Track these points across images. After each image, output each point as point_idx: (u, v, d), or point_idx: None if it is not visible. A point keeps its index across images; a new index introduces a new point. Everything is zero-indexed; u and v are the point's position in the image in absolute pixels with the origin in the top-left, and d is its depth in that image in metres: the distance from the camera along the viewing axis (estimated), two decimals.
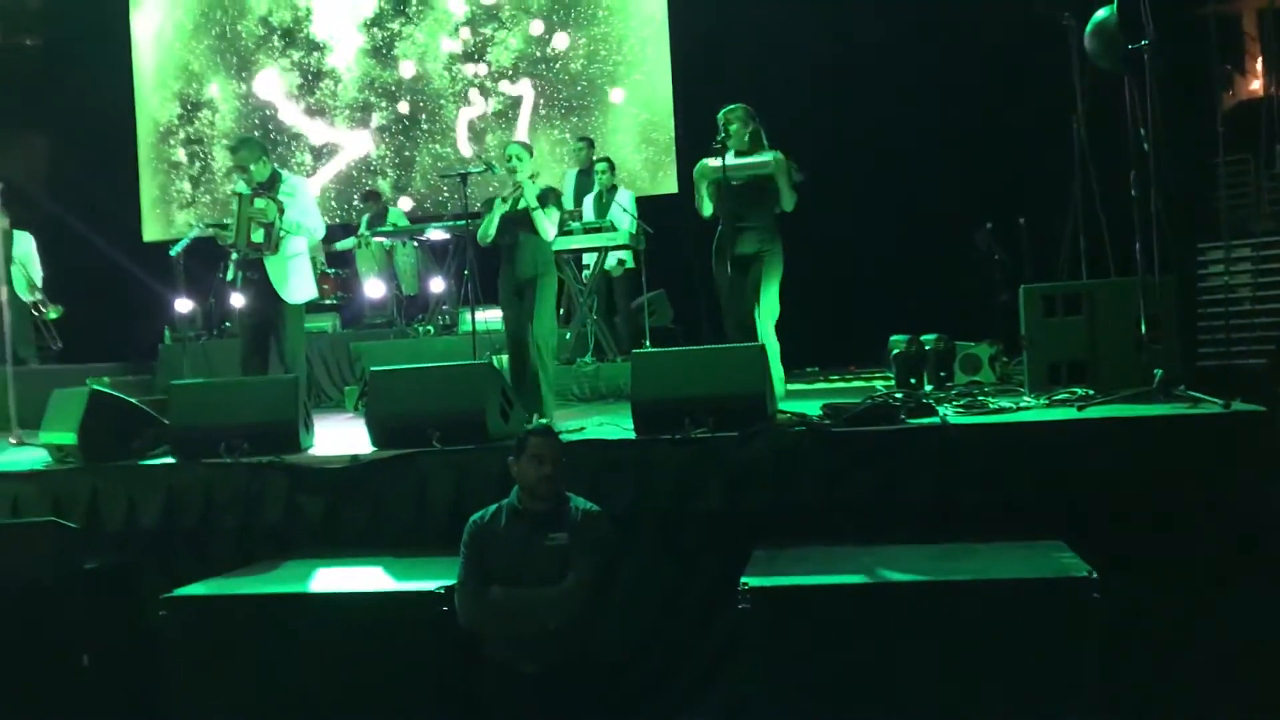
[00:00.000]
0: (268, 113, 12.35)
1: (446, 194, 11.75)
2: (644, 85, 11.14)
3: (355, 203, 11.88)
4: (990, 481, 4.55)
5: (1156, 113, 5.43)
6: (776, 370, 5.94)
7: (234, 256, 6.65)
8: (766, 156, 6.19)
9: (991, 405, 5.27)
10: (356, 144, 12.13)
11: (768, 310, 6.15)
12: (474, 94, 11.80)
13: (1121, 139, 5.53)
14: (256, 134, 11.79)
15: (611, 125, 11.05)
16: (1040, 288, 5.98)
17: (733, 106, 6.28)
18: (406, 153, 11.93)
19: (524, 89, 11.65)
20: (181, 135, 12.62)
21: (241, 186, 6.70)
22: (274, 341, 6.64)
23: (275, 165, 6.85)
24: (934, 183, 9.35)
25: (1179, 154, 7.04)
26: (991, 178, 9.25)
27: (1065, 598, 3.72)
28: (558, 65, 11.44)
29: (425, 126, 11.89)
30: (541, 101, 11.47)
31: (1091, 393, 5.21)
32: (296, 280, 6.60)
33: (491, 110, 11.63)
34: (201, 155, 12.60)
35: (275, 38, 12.33)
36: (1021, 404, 5.29)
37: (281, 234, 6.48)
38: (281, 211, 6.46)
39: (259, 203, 6.45)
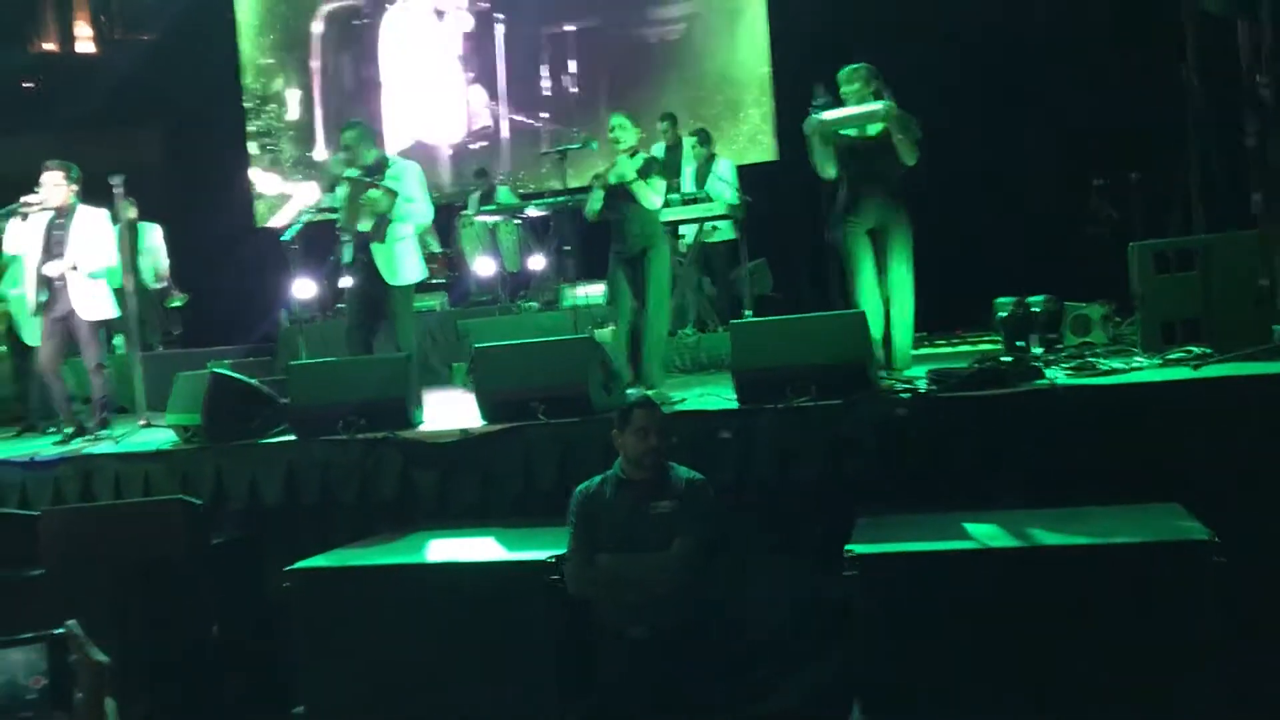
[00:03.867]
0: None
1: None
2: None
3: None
4: (1102, 445, 4.45)
5: (1272, 56, 5.20)
6: (906, 337, 5.90)
7: (345, 237, 6.72)
8: (876, 104, 5.83)
9: (1102, 366, 5.15)
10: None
11: (901, 285, 5.92)
12: None
13: (1236, 86, 5.32)
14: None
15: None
16: (1151, 244, 5.79)
17: (855, 66, 5.93)
18: None
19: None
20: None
21: (346, 169, 6.64)
22: (384, 324, 6.73)
23: (381, 150, 6.89)
24: (1041, 139, 9.09)
25: None
26: (1101, 133, 8.96)
27: (1184, 561, 3.64)
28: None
29: None
30: None
31: (1208, 351, 5.05)
32: (403, 262, 6.58)
33: None
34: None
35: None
36: (1133, 365, 5.16)
37: (390, 221, 6.53)
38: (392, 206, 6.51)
39: (373, 193, 6.42)
